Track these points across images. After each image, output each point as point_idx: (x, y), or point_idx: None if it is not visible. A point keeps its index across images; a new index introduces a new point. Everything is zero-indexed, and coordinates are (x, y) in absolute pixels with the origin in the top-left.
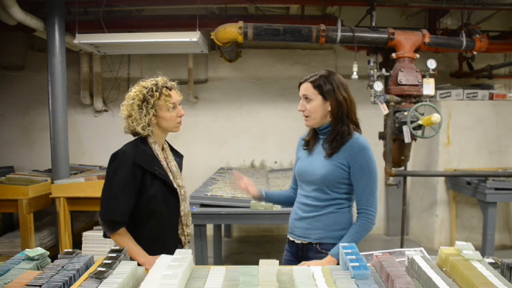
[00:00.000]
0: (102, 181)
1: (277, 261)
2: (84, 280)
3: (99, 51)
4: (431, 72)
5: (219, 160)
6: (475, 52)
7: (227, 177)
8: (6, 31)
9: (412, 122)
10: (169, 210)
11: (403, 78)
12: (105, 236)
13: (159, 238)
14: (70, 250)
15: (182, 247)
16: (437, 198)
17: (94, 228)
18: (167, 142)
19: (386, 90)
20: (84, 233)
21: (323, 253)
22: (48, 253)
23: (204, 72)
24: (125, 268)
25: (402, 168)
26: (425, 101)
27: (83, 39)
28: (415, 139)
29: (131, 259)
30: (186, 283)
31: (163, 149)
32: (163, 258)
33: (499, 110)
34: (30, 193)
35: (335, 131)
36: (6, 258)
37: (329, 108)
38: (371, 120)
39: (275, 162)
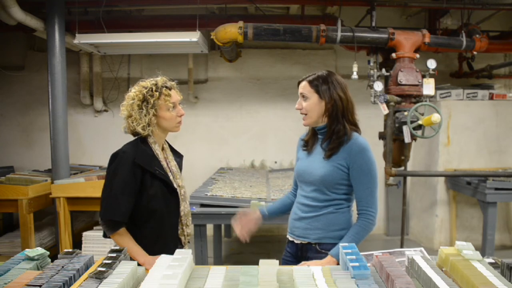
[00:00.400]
0: (102, 181)
1: (277, 261)
2: (84, 280)
3: (99, 51)
4: (431, 72)
5: (219, 160)
6: (475, 52)
7: (227, 177)
8: (6, 31)
9: (412, 122)
10: (169, 210)
11: (403, 78)
12: (105, 236)
13: (159, 238)
14: (70, 250)
15: (182, 247)
16: (437, 198)
17: (94, 228)
18: (167, 142)
19: (386, 90)
20: (84, 233)
21: (322, 253)
22: (48, 253)
23: (204, 72)
24: (125, 268)
25: (402, 168)
26: (425, 101)
27: (83, 39)
28: (415, 139)
29: (131, 259)
30: (186, 283)
31: (163, 149)
32: (163, 258)
33: (499, 110)
34: (30, 193)
35: (331, 130)
36: (6, 258)
37: (325, 107)
38: (371, 120)
39: (275, 162)
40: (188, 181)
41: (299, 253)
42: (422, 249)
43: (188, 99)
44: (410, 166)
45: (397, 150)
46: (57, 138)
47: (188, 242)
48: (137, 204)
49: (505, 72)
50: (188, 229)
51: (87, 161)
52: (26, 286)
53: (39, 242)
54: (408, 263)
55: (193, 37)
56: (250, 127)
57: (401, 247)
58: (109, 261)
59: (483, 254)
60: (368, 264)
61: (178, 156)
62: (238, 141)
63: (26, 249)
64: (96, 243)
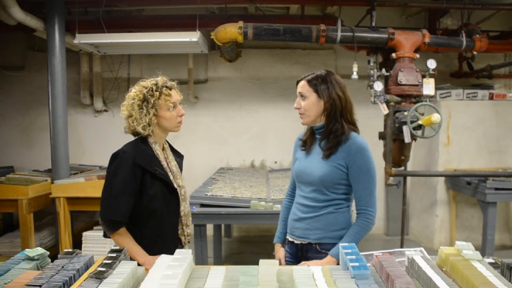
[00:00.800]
0: (102, 181)
1: (277, 261)
2: (84, 280)
3: (99, 51)
4: (431, 72)
5: (219, 160)
6: (475, 52)
7: (227, 177)
8: (6, 31)
9: (412, 122)
10: (169, 210)
11: (403, 78)
12: (105, 236)
13: (159, 238)
14: (70, 250)
15: (182, 247)
16: (437, 198)
17: (94, 228)
18: (168, 142)
19: (386, 90)
20: (84, 233)
21: (322, 253)
22: (48, 253)
23: (204, 72)
24: (125, 268)
25: (402, 168)
26: (425, 101)
27: (83, 39)
28: (415, 139)
29: (131, 259)
30: (186, 283)
31: (163, 149)
32: (163, 258)
33: (499, 110)
34: (30, 193)
35: (328, 129)
36: (6, 258)
37: (323, 106)
38: (371, 120)
39: (275, 162)
40: (188, 181)
41: (299, 254)
42: (422, 249)
43: (188, 99)
44: (410, 166)
45: (397, 150)
46: (57, 138)
47: (188, 242)
48: (137, 204)
49: (505, 72)
50: (188, 229)
51: (87, 161)
52: (26, 286)
53: (39, 242)
54: (408, 263)
55: (193, 37)
56: (250, 127)
57: (401, 247)
58: (109, 261)
59: (483, 254)
60: (368, 264)
61: (178, 156)
62: (238, 141)
63: (26, 249)
64: (96, 243)
